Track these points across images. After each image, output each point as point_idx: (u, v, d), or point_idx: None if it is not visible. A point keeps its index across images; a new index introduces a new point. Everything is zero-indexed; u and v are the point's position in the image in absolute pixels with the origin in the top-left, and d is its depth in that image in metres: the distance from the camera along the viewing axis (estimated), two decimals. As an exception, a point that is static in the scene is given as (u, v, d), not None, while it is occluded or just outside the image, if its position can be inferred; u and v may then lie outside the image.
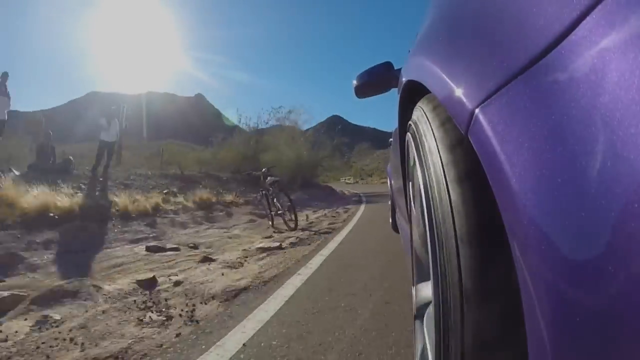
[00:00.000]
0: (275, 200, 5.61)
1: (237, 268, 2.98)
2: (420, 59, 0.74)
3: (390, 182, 3.51)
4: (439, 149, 0.50)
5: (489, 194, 0.39)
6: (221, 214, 7.25)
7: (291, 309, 1.91)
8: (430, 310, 0.52)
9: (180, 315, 1.89)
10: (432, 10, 0.72)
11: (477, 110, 0.39)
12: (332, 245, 3.83)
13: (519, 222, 0.32)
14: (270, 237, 4.83)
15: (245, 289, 2.33)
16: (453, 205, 0.44)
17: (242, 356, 1.42)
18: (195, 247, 4.26)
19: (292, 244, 4.02)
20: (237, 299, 2.15)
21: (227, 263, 3.14)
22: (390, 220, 4.08)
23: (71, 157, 8.17)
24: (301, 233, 4.90)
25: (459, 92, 0.44)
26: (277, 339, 1.56)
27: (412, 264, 0.94)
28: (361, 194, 16.50)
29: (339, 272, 2.65)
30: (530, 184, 0.30)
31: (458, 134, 0.49)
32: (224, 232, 5.47)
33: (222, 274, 2.73)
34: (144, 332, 1.69)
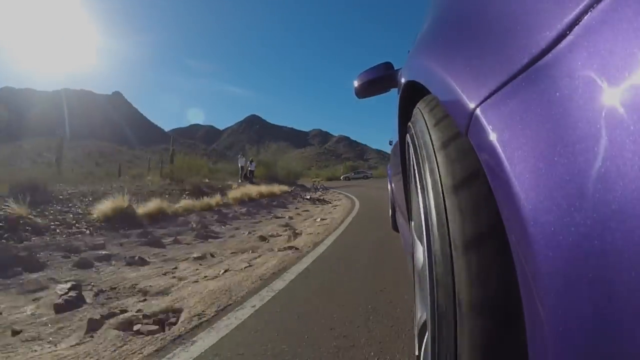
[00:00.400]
0: (317, 188, 18.98)
1: (323, 201, 11.07)
2: (420, 59, 0.74)
3: (391, 182, 3.50)
4: (439, 149, 0.50)
5: (488, 193, 0.39)
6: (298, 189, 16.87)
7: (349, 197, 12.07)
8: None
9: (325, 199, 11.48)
10: (432, 11, 0.72)
11: (476, 111, 0.39)
12: (345, 191, 15.50)
13: (519, 220, 0.32)
14: (319, 197, 12.77)
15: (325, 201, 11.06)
16: (452, 205, 0.44)
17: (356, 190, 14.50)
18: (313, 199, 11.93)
19: (330, 195, 14.35)
20: (332, 203, 10.18)
21: (322, 196, 12.84)
22: (391, 221, 4.08)
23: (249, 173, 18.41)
24: (328, 195, 14.07)
25: (458, 92, 0.44)
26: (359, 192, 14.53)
27: (413, 271, 0.93)
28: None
29: (351, 193, 14.38)
30: (530, 183, 0.31)
31: (458, 134, 0.49)
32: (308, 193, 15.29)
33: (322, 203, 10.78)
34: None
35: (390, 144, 2.45)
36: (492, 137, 0.36)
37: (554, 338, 0.28)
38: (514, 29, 0.35)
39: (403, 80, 0.96)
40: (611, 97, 0.23)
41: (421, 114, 0.62)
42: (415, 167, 0.60)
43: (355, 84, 1.71)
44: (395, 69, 1.65)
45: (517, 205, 0.32)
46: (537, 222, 0.29)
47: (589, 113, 0.25)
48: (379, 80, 1.66)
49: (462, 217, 0.42)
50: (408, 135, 0.73)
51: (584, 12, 0.25)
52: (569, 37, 0.27)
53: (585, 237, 0.25)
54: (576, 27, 0.26)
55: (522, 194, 0.31)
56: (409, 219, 1.10)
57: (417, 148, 0.59)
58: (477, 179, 0.42)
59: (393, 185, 3.05)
